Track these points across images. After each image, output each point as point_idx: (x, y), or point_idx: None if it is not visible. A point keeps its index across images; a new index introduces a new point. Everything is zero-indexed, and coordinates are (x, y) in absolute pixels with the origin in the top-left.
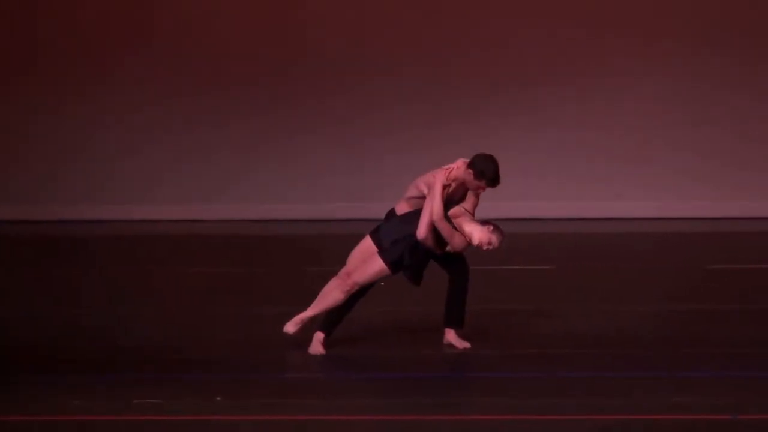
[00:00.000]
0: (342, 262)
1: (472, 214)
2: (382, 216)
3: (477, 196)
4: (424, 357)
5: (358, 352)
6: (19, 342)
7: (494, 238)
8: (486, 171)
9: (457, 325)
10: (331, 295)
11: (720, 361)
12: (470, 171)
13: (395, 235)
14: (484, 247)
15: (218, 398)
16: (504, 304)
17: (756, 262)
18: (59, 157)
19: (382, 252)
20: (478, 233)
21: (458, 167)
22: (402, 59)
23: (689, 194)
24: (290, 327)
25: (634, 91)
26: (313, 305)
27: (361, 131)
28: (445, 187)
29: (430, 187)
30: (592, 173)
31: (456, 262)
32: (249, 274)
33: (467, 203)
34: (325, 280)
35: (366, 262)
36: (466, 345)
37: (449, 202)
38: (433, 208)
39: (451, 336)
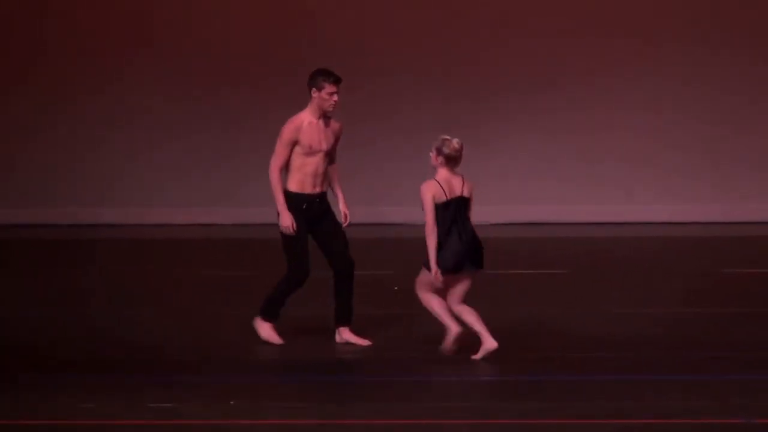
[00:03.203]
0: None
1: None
2: (393, 219)
3: (336, 136)
4: (439, 360)
5: (372, 355)
6: (31, 345)
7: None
8: (317, 76)
9: (350, 321)
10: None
11: (735, 364)
12: (311, 91)
13: None
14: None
15: (232, 402)
16: (516, 308)
17: None
18: (66, 160)
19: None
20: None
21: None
22: (411, 64)
23: (704, 198)
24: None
25: (650, 95)
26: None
27: (372, 135)
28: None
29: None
30: (605, 177)
31: (342, 257)
32: (259, 276)
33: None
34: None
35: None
36: (367, 342)
37: (311, 145)
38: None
39: (347, 334)
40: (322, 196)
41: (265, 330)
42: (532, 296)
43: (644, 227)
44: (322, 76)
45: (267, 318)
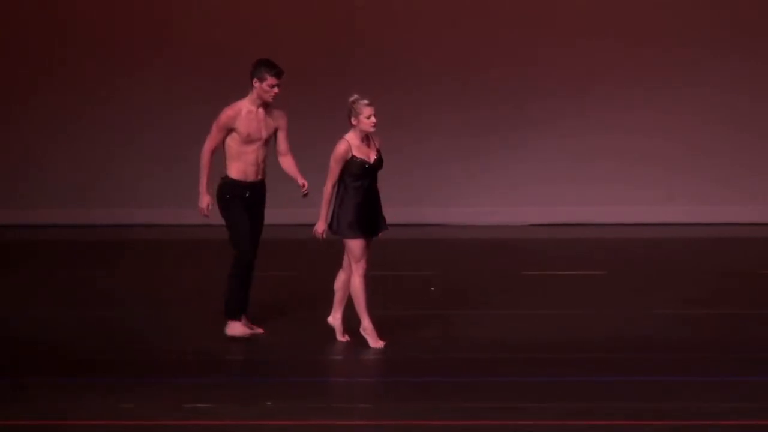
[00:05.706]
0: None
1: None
2: (424, 220)
3: (279, 125)
4: (469, 360)
5: (399, 356)
6: (64, 346)
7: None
8: (260, 66)
9: (246, 310)
10: (358, 288)
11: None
12: (253, 81)
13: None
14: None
15: (269, 403)
16: (529, 309)
17: None
18: (88, 161)
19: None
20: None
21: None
22: (435, 68)
23: (740, 200)
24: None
25: (692, 99)
26: (359, 311)
27: (400, 140)
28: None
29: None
30: (633, 178)
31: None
32: (288, 277)
33: (281, 144)
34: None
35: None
36: (261, 330)
37: (249, 134)
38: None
39: (243, 322)
40: (263, 183)
41: (237, 329)
42: (551, 297)
43: (677, 229)
44: (265, 67)
45: (233, 318)
